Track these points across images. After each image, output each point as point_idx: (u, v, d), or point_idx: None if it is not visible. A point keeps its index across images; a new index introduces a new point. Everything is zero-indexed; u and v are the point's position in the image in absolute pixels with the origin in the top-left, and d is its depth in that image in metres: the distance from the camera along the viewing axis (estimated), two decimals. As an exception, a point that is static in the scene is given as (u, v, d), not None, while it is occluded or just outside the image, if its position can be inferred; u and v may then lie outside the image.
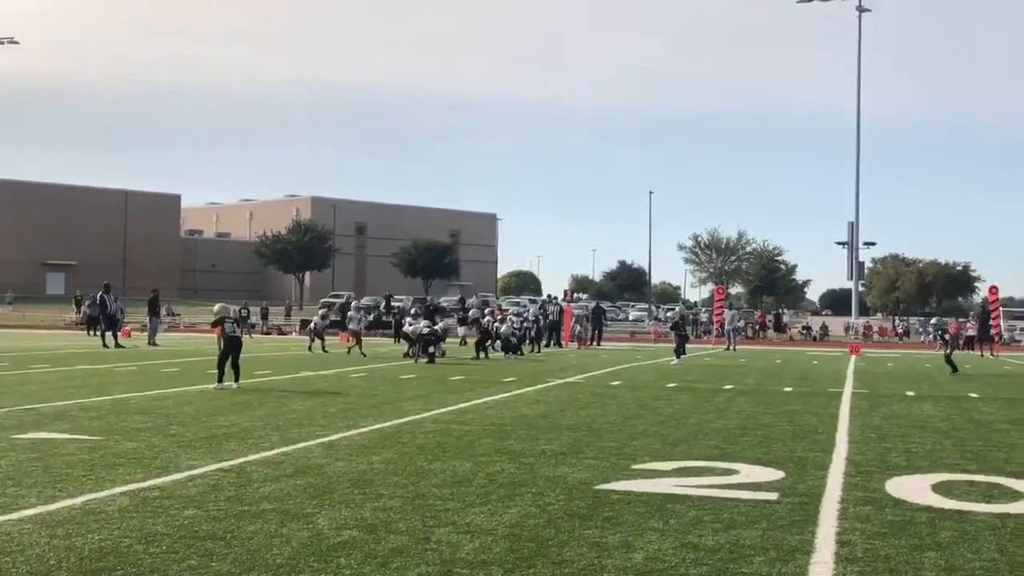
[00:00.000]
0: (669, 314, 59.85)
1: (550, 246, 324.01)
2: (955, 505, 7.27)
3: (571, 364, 26.27)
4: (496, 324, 31.00)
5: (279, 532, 6.13)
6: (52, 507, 6.75)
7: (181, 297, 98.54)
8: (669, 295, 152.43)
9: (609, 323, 61.33)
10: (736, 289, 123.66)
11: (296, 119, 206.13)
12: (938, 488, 7.99)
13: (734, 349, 38.66)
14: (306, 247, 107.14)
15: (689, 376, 21.88)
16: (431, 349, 25.90)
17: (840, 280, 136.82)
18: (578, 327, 42.37)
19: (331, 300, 58.47)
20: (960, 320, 47.13)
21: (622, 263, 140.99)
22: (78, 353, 27.46)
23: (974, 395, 17.83)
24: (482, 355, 28.15)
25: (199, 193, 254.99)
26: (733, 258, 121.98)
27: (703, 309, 77.49)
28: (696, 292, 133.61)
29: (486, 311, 39.20)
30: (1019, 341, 58.31)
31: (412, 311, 33.66)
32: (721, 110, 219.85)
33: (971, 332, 42.70)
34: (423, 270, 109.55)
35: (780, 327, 64.18)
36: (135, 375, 19.34)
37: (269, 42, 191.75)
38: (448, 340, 31.76)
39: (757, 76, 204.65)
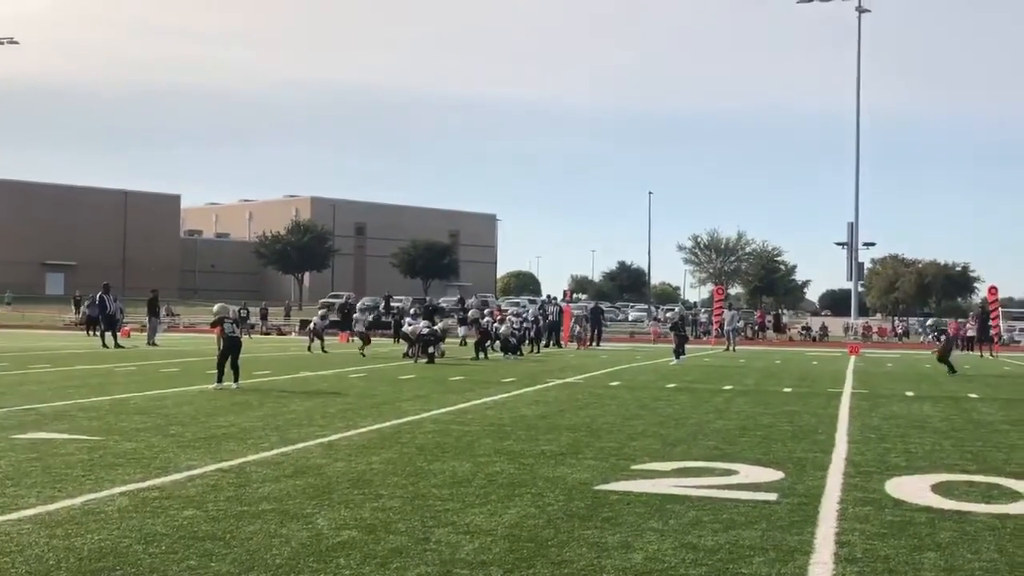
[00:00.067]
0: (668, 315, 59.82)
1: (549, 246, 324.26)
2: (954, 505, 7.27)
3: (570, 364, 26.27)
4: (495, 324, 31.02)
5: (278, 532, 6.12)
6: (51, 507, 6.74)
7: (180, 297, 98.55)
8: (668, 295, 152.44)
9: (608, 324, 61.35)
10: (735, 289, 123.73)
11: (296, 119, 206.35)
12: (937, 488, 7.99)
13: (733, 349, 38.66)
14: (305, 247, 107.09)
15: (688, 376, 21.88)
16: (430, 349, 25.90)
17: (839, 280, 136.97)
18: (577, 327, 42.38)
19: (330, 300, 58.40)
20: (959, 321, 47.15)
21: (621, 263, 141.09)
22: (77, 353, 27.45)
23: (973, 395, 17.83)
24: (481, 355, 28.15)
25: (199, 193, 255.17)
26: (732, 258, 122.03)
27: (702, 309, 77.49)
28: (695, 292, 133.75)
29: (485, 311, 39.21)
30: (1018, 341, 58.33)
31: (411, 311, 33.65)
32: (721, 110, 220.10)
33: (971, 333, 42.73)
34: (422, 270, 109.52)
35: (779, 327, 64.22)
36: (134, 375, 19.33)
37: (269, 42, 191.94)
38: (448, 340, 31.76)
39: (757, 76, 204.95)
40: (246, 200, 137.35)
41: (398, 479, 8.00)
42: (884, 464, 9.28)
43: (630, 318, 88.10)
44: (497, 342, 30.22)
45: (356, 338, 31.80)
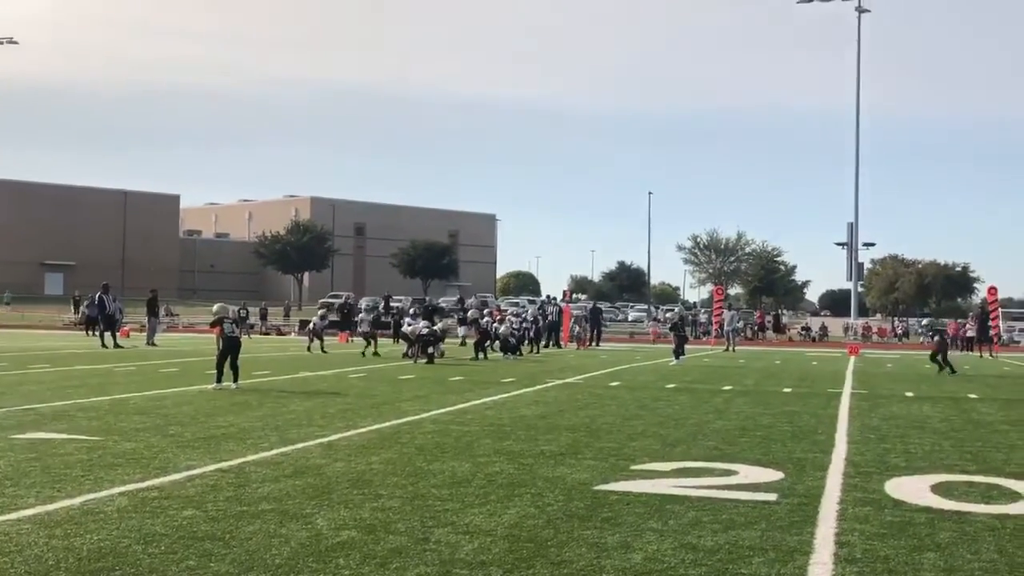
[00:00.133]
0: (668, 315, 59.84)
1: (549, 247, 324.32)
2: (954, 506, 7.27)
3: (570, 365, 26.27)
4: (495, 325, 31.02)
5: (278, 532, 6.12)
6: (50, 507, 6.74)
7: (180, 297, 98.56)
8: (668, 296, 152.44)
9: (608, 324, 61.37)
10: (735, 290, 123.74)
11: (296, 119, 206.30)
12: (937, 489, 7.99)
13: (733, 350, 38.65)
14: (305, 247, 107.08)
15: (688, 377, 21.88)
16: (430, 349, 25.91)
17: (839, 281, 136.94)
18: (577, 328, 42.39)
19: (330, 300, 58.41)
20: (959, 321, 47.15)
21: (621, 264, 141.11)
22: (77, 353, 27.45)
23: (973, 396, 17.83)
24: (481, 356, 28.15)
25: (198, 193, 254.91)
26: (732, 259, 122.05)
27: (702, 310, 77.52)
28: (695, 293, 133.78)
29: (485, 312, 39.20)
30: (1018, 342, 58.34)
31: (411, 311, 33.64)
32: (721, 110, 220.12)
33: (970, 333, 42.75)
34: (422, 270, 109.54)
35: (779, 328, 64.24)
36: (134, 375, 19.33)
37: (269, 42, 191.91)
38: (448, 340, 31.77)
39: (757, 76, 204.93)
40: (245, 200, 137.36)
41: (398, 479, 7.99)
42: (884, 464, 9.28)
43: (630, 318, 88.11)
44: (496, 342, 30.23)
45: (360, 338, 31.80)
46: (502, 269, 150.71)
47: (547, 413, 13.44)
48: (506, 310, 42.91)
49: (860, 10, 54.08)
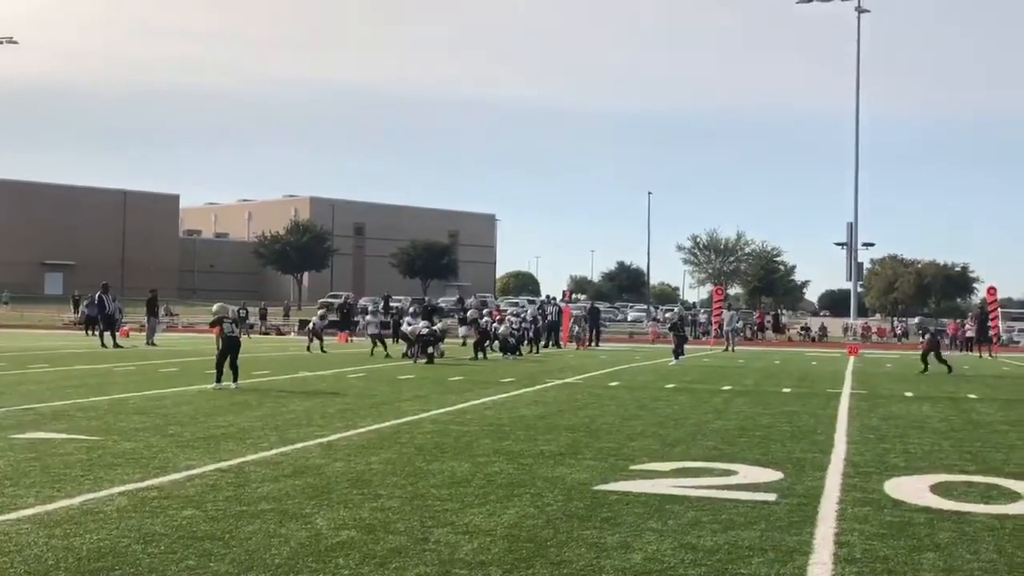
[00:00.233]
0: (668, 315, 59.82)
1: (549, 247, 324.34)
2: (953, 506, 7.27)
3: (569, 365, 26.27)
4: (495, 325, 31.02)
5: (277, 532, 6.12)
6: (50, 507, 6.74)
7: (179, 297, 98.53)
8: (668, 296, 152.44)
9: (607, 324, 61.37)
10: (735, 290, 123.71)
11: (296, 119, 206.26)
12: (936, 489, 7.99)
13: (733, 350, 38.66)
14: (304, 247, 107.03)
15: (688, 377, 21.88)
16: (430, 349, 25.91)
17: (839, 281, 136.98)
18: (576, 328, 42.39)
19: (330, 300, 58.41)
20: (959, 321, 47.13)
21: (621, 264, 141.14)
22: (76, 353, 27.45)
23: (972, 396, 17.84)
24: (480, 356, 28.15)
25: (198, 193, 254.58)
26: (732, 259, 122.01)
27: (702, 310, 77.51)
28: (695, 293, 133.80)
29: (484, 312, 39.19)
30: (1017, 342, 58.35)
31: (411, 311, 33.64)
32: (721, 110, 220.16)
33: (969, 333, 42.73)
34: (422, 270, 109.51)
35: (779, 328, 64.21)
36: (133, 375, 19.33)
37: (269, 42, 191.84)
38: (448, 341, 31.76)
39: (757, 76, 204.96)
40: (245, 200, 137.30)
41: (397, 479, 7.99)
42: (883, 464, 9.28)
43: (629, 318, 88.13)
44: (496, 342, 30.23)
45: (363, 338, 31.77)
46: (502, 269, 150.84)
47: (546, 413, 13.44)
48: (506, 310, 42.89)
49: (860, 10, 54.08)
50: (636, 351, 37.18)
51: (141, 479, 7.82)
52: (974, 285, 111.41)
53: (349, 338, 42.30)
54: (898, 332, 70.89)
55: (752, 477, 8.40)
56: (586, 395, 16.52)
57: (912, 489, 7.92)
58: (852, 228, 53.86)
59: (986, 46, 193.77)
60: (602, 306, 64.02)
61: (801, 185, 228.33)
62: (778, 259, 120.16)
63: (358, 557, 5.56)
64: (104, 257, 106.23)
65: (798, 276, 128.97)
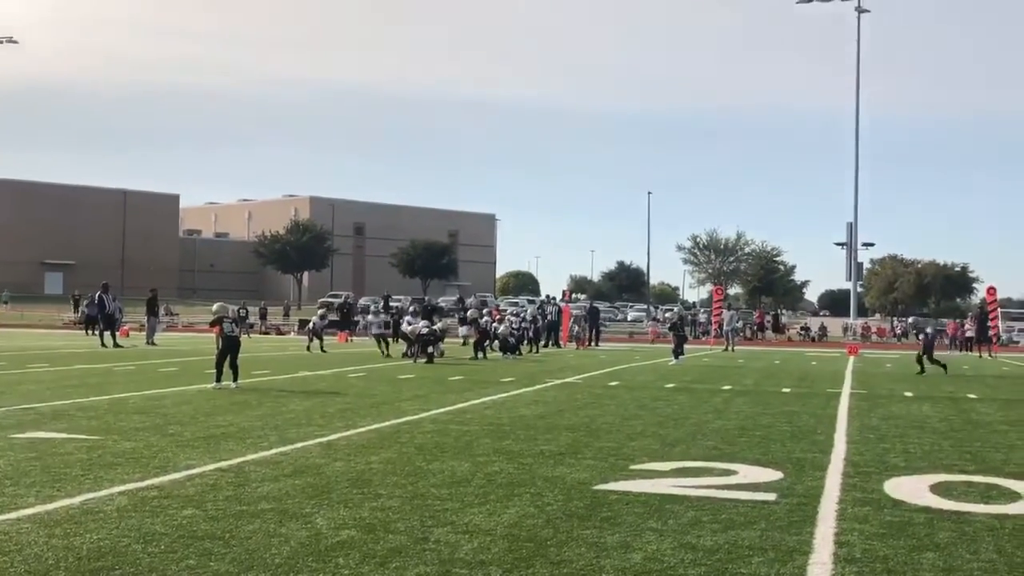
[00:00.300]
0: (668, 315, 59.83)
1: (549, 247, 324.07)
2: (953, 506, 7.27)
3: (569, 364, 26.27)
4: (494, 324, 31.02)
5: (277, 532, 6.12)
6: (50, 507, 6.74)
7: (179, 297, 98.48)
8: (668, 296, 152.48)
9: (607, 324, 61.35)
10: (735, 290, 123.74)
11: (296, 119, 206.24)
12: (936, 489, 7.99)
13: (732, 350, 38.67)
14: (304, 247, 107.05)
15: (687, 377, 21.88)
16: (430, 349, 25.92)
17: (838, 281, 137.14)
18: (576, 327, 42.39)
19: (329, 300, 58.43)
20: (958, 321, 47.13)
21: (621, 264, 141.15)
22: (76, 353, 27.45)
23: (972, 396, 17.84)
24: (480, 355, 28.16)
25: (198, 193, 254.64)
26: (732, 259, 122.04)
27: (702, 310, 77.50)
28: (695, 293, 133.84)
29: (484, 311, 39.20)
30: (1017, 342, 58.33)
31: (411, 311, 33.64)
32: (721, 110, 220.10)
33: (969, 333, 42.74)
34: (421, 270, 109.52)
35: (778, 328, 64.21)
36: (133, 375, 19.33)
37: (269, 42, 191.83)
38: (449, 340, 31.76)
39: (757, 76, 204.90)
40: (245, 200, 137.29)
41: (397, 479, 8.00)
42: (883, 464, 9.29)
43: (629, 318, 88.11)
44: (496, 342, 30.23)
45: (364, 338, 31.75)
46: (502, 269, 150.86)
47: (546, 413, 13.44)
48: (505, 310, 42.92)
49: (860, 10, 54.05)
50: (636, 351, 37.18)
51: (141, 479, 7.83)
52: (974, 285, 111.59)
53: (349, 338, 42.31)
54: (898, 332, 70.89)
55: (752, 477, 8.40)
56: (586, 395, 16.52)
57: (912, 489, 7.93)
58: (852, 228, 53.83)
59: (986, 46, 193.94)
60: (602, 306, 64.02)
61: (801, 185, 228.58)
62: (778, 259, 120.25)
63: (358, 557, 5.56)
64: (104, 257, 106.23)
65: (798, 276, 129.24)
